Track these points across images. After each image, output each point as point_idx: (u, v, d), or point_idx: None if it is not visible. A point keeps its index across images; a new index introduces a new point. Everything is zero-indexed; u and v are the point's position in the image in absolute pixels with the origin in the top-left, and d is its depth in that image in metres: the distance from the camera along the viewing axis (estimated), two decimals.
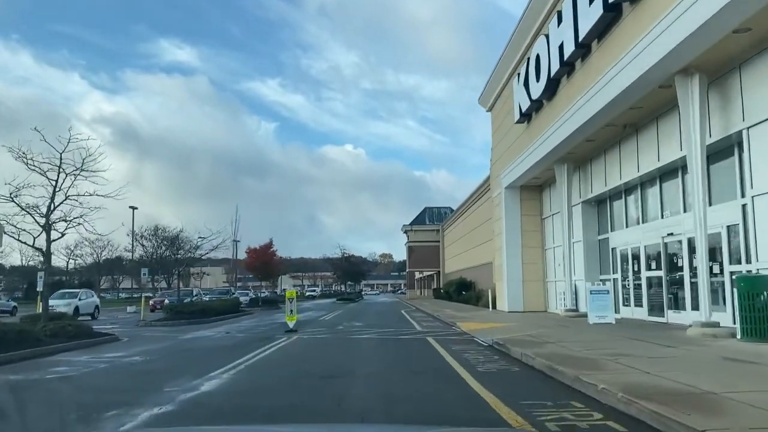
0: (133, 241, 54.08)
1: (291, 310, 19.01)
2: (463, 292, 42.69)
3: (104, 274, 77.33)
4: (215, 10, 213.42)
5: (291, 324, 18.83)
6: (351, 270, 62.76)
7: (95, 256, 73.09)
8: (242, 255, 45.94)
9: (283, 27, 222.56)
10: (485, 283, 38.25)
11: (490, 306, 27.92)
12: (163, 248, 71.65)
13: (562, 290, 22.95)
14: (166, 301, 41.08)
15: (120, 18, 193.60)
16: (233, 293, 47.18)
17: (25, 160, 15.83)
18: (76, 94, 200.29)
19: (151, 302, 42.48)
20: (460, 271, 50.60)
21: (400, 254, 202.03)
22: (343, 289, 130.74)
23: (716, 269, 13.36)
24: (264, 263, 43.90)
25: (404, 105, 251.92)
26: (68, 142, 15.75)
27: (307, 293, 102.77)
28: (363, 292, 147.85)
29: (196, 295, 45.36)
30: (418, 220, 69.13)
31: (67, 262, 73.67)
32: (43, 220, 16.10)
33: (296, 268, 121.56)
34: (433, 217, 69.62)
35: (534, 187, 26.04)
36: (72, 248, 69.49)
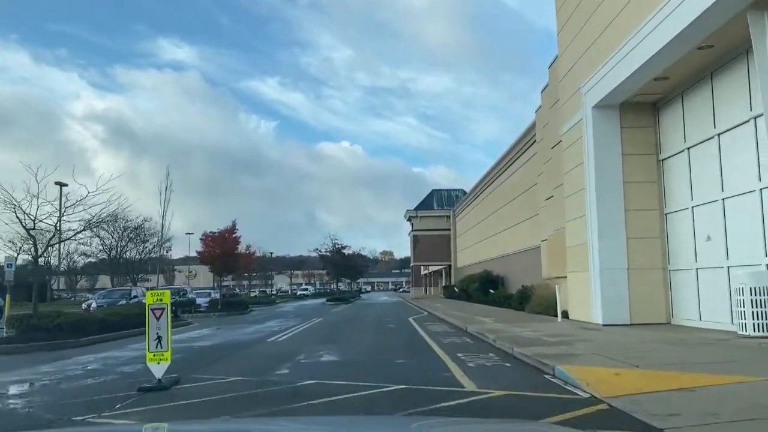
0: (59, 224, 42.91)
1: (156, 340, 8.00)
2: (491, 291, 31.68)
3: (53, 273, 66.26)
4: (213, 8, 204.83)
5: (157, 369, 7.88)
6: (345, 265, 51.82)
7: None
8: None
9: (279, 23, 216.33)
10: (522, 277, 27.23)
11: (559, 314, 16.83)
12: (125, 241, 61.06)
13: (721, 286, 11.99)
14: (94, 305, 30.56)
15: (117, 17, 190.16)
16: (185, 293, 36.20)
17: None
18: (70, 92, 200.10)
19: (84, 306, 32.62)
20: (481, 264, 39.58)
21: (401, 251, 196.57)
22: (339, 287, 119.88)
23: None
24: (225, 254, 32.84)
25: (402, 101, 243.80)
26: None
27: (299, 293, 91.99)
28: (362, 291, 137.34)
29: (134, 297, 34.39)
30: (425, 204, 58.21)
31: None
32: None
33: (296, 267, 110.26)
34: (442, 201, 58.65)
35: (644, 106, 14.95)
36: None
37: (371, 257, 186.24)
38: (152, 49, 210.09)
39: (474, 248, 46.20)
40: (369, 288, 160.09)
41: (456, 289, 47.30)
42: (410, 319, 22.83)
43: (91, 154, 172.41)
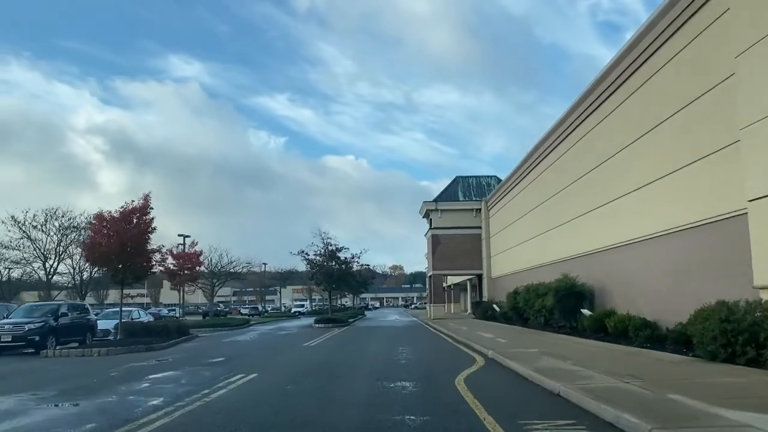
0: None
1: None
2: (583, 311, 17.80)
3: None
4: (215, 21, 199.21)
5: None
6: (341, 273, 37.98)
7: None
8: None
9: (289, 41, 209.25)
10: (654, 286, 13.40)
11: None
12: (66, 241, 47.63)
13: None
14: None
15: (126, 34, 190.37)
16: (84, 312, 22.64)
17: None
18: (85, 108, 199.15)
19: None
20: (538, 271, 25.94)
21: (411, 266, 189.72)
22: (343, 303, 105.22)
23: None
24: (124, 246, 19.18)
25: (408, 116, 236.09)
26: None
27: (293, 310, 78.11)
28: (368, 307, 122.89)
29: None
30: (447, 194, 44.38)
31: None
32: None
33: (286, 280, 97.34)
34: (469, 191, 44.75)
35: None
36: None
37: (380, 272, 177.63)
38: (162, 65, 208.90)
39: (521, 250, 32.24)
40: (377, 304, 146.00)
41: (496, 308, 33.24)
42: (472, 400, 8.73)
43: (106, 167, 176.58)
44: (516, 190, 34.28)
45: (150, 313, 39.43)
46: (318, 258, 38.54)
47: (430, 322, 36.18)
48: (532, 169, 30.33)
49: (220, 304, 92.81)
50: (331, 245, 38.34)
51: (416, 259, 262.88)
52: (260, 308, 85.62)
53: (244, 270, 45.20)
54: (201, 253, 31.68)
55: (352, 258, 38.93)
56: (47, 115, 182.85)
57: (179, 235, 42.16)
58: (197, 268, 31.79)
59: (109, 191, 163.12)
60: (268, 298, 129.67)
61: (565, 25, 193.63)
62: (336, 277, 38.33)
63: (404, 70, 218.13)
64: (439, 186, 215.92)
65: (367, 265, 63.52)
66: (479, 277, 43.97)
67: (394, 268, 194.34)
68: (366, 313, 73.08)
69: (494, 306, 33.88)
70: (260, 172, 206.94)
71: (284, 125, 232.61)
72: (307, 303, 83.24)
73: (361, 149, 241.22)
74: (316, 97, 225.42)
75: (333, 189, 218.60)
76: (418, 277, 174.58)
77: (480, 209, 42.80)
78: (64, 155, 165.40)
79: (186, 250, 31.58)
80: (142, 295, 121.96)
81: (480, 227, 42.74)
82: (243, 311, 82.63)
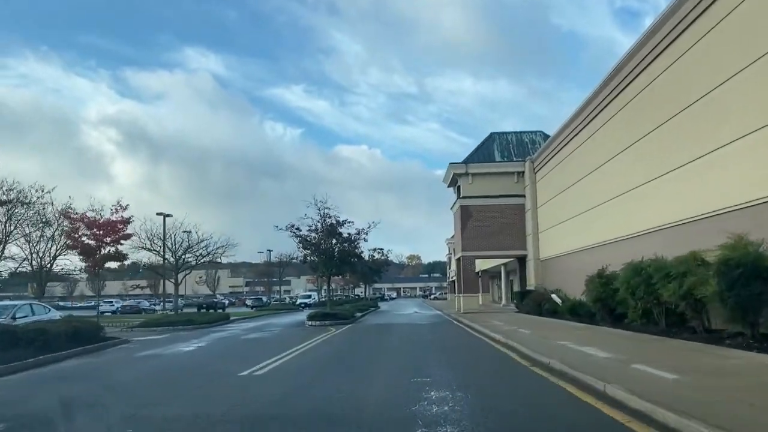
0: None
1: None
2: None
3: None
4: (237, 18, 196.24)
5: None
6: (343, 253, 28.80)
7: None
8: None
9: (306, 32, 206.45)
10: None
11: None
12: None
13: None
14: None
15: (144, 28, 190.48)
16: None
17: None
18: (93, 99, 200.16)
19: None
20: (623, 243, 16.37)
21: (428, 255, 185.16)
22: (356, 294, 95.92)
23: None
24: None
25: (422, 104, 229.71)
26: None
27: (299, 302, 69.25)
28: (385, 298, 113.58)
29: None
30: (481, 154, 34.79)
31: None
32: None
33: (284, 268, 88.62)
34: (508, 150, 35.14)
35: None
36: None
37: (397, 261, 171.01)
38: (178, 58, 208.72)
39: (591, 219, 22.67)
40: (394, 294, 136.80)
41: (557, 300, 23.85)
42: None
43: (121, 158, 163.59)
44: (578, 140, 24.77)
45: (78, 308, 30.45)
46: (313, 235, 29.32)
47: (462, 318, 26.86)
48: (607, 105, 20.77)
49: (218, 296, 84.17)
50: (329, 217, 29.08)
51: (433, 248, 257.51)
52: (265, 300, 77.05)
53: (221, 251, 36.11)
54: (129, 220, 22.62)
55: (358, 234, 29.65)
56: (61, 107, 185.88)
57: (158, 214, 33.53)
58: (121, 242, 22.77)
59: (123, 182, 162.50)
60: (282, 288, 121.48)
61: (582, 12, 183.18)
62: (337, 259, 29.10)
63: (419, 58, 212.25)
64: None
65: (381, 249, 54.61)
66: (520, 259, 34.51)
67: (412, 257, 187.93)
68: (380, 304, 63.91)
69: (553, 297, 24.43)
70: (275, 163, 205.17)
71: (300, 116, 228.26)
72: (315, 294, 74.14)
73: (376, 140, 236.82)
74: (331, 87, 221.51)
75: (347, 179, 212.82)
76: (436, 266, 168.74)
77: (523, 172, 33.25)
78: (78, 147, 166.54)
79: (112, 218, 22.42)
80: (142, 287, 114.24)
81: (523, 195, 33.21)
82: (248, 303, 74.43)
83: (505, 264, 44.24)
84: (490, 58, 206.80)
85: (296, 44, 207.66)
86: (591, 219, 23.76)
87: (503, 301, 45.23)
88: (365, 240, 29.88)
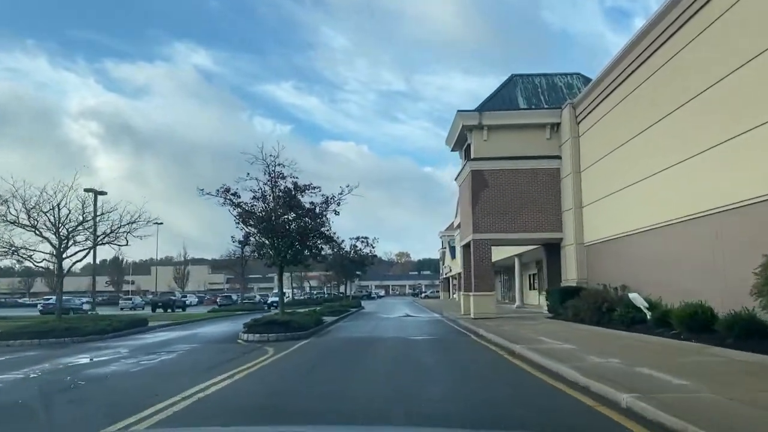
0: None
1: None
2: None
3: None
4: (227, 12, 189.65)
5: None
6: (300, 231, 19.46)
7: None
8: None
9: (295, 28, 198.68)
10: None
11: None
12: None
13: None
14: None
15: (133, 21, 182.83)
16: None
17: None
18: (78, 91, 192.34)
19: None
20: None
21: (418, 253, 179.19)
22: (340, 292, 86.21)
23: None
24: None
25: (413, 103, 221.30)
26: None
27: (270, 300, 59.66)
28: (372, 296, 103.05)
29: None
30: (499, 101, 25.23)
31: None
32: None
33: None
34: (537, 95, 25.78)
35: None
36: None
37: (386, 259, 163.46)
38: (170, 53, 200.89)
39: (690, 173, 13.42)
40: (382, 292, 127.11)
41: (644, 308, 14.67)
42: None
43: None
44: (652, 65, 15.68)
45: None
46: (260, 205, 19.84)
47: (479, 327, 17.57)
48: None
49: (176, 293, 73.60)
50: (282, 177, 19.62)
51: (423, 247, 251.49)
52: (235, 298, 67.40)
53: (129, 228, 25.37)
54: None
55: (326, 204, 20.18)
56: (44, 100, 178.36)
57: (86, 189, 23.72)
58: None
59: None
60: (263, 286, 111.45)
61: (574, 9, 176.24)
62: (296, 239, 19.63)
63: (409, 54, 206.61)
64: (444, 172, 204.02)
65: (365, 238, 45.00)
66: (548, 246, 25.37)
67: (401, 255, 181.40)
68: (365, 304, 54.45)
69: (633, 298, 15.21)
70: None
71: (290, 112, 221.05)
72: (289, 292, 64.58)
73: (366, 137, 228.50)
74: (322, 84, 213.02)
75: (336, 176, 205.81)
76: (425, 264, 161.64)
77: (558, 124, 24.02)
78: (61, 140, 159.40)
79: None
80: (131, 282, 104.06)
81: (558, 156, 24.01)
82: (218, 301, 64.87)
83: (519, 255, 35.07)
84: (479, 54, 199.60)
85: (285, 39, 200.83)
86: (677, 179, 14.71)
87: (517, 302, 36.04)
88: (336, 213, 20.39)
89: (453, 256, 71.67)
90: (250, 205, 19.69)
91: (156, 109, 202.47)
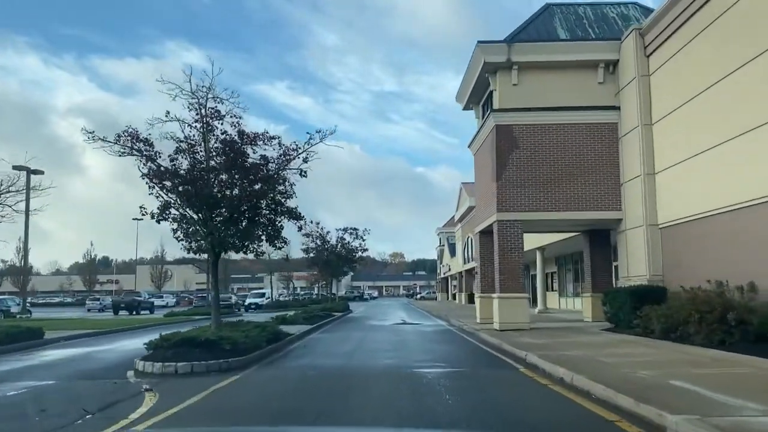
0: None
1: None
2: None
3: None
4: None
5: None
6: (252, 208, 12.95)
7: None
8: None
9: (289, 27, 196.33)
10: None
11: None
12: None
13: None
14: None
15: (125, 19, 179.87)
16: None
17: None
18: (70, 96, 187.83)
19: None
20: None
21: (412, 254, 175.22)
22: (331, 292, 79.32)
23: None
24: None
25: (407, 104, 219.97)
26: None
27: (248, 301, 52.72)
28: (365, 297, 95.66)
29: None
30: (533, 31, 18.72)
31: None
32: None
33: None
34: (583, 28, 19.30)
35: None
36: None
37: (379, 259, 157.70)
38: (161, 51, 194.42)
39: None
40: (375, 293, 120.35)
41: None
42: None
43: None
44: None
45: None
46: (184, 162, 13.04)
47: (537, 358, 10.85)
48: None
49: (143, 293, 66.19)
50: (219, 117, 12.88)
51: (417, 247, 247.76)
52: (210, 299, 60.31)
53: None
54: None
55: (285, 157, 13.43)
56: (31, 96, 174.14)
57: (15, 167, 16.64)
58: None
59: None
60: (253, 285, 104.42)
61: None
62: (235, 209, 12.84)
63: (402, 52, 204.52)
64: (437, 174, 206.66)
65: (355, 230, 38.22)
66: (591, 234, 18.76)
67: (395, 255, 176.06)
68: (354, 307, 47.55)
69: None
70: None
71: (284, 113, 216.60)
72: (266, 292, 57.66)
73: (359, 138, 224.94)
74: (316, 84, 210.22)
75: (328, 176, 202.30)
76: (420, 264, 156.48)
77: (616, 61, 17.36)
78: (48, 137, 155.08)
79: None
80: (112, 282, 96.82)
81: (615, 106, 17.35)
82: (194, 302, 57.90)
83: (542, 248, 28.46)
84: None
85: (277, 39, 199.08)
86: None
87: (539, 306, 29.34)
88: (302, 174, 13.58)
89: (453, 254, 64.77)
90: (170, 159, 12.85)
91: (148, 107, 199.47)
